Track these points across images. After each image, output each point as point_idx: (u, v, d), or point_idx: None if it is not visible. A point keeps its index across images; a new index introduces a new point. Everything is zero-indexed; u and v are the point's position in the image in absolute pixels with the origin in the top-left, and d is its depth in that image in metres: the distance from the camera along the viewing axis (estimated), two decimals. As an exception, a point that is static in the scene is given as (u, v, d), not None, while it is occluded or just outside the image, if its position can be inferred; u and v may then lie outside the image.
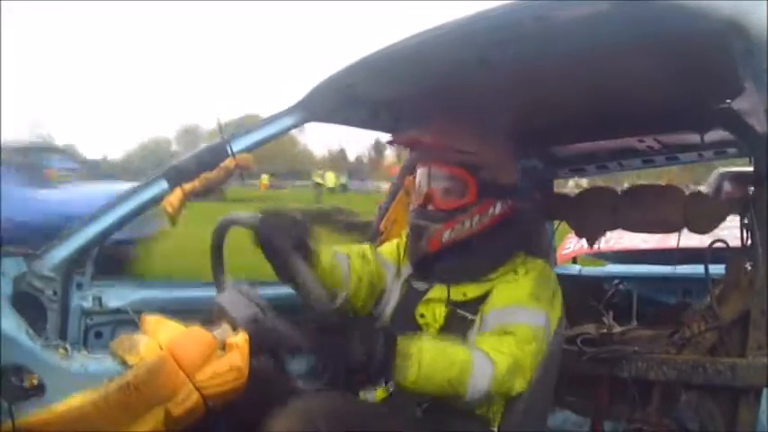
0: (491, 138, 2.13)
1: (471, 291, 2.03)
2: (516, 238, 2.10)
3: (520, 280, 2.02)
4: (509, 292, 1.99)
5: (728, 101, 2.21)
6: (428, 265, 2.10)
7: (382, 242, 2.93)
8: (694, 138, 2.56)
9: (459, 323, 2.00)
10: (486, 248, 2.06)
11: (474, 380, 1.77)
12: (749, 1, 1.51)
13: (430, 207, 2.07)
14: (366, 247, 2.28)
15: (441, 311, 2.03)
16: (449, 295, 2.04)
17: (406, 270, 2.22)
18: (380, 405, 1.92)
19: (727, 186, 6.45)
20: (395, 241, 2.35)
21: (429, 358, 1.72)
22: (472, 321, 1.99)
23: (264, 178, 38.56)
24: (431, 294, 2.07)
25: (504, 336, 1.89)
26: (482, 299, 2.01)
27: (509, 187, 2.13)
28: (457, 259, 2.05)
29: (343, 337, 1.66)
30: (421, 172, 2.14)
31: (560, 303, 2.05)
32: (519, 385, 1.85)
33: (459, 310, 2.02)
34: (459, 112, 2.18)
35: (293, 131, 2.60)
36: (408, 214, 2.19)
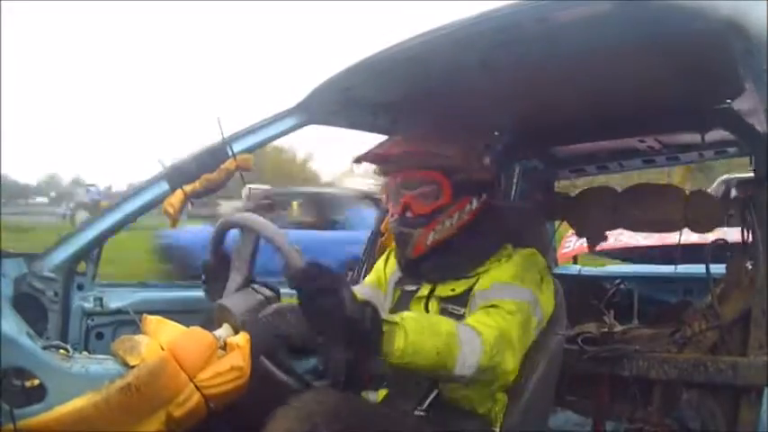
0: (465, 137, 2.14)
1: (460, 286, 2.04)
2: (499, 231, 2.12)
3: (504, 264, 2.04)
4: (494, 274, 2.01)
5: (729, 101, 2.21)
6: (416, 268, 2.12)
7: (384, 243, 2.94)
8: (695, 138, 2.56)
9: (451, 317, 2.00)
10: (469, 244, 2.07)
11: (462, 352, 1.75)
12: (749, 1, 1.51)
13: (408, 214, 2.08)
14: None
15: (434, 308, 2.05)
16: (439, 292, 2.06)
17: (395, 277, 2.25)
18: (381, 405, 1.92)
19: (734, 193, 6.45)
20: (378, 263, 2.39)
21: (414, 327, 1.70)
22: (463, 315, 1.99)
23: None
24: (422, 292, 2.10)
25: (488, 309, 1.89)
26: (470, 290, 2.03)
27: (483, 183, 2.14)
28: (442, 258, 2.07)
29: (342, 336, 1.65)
30: (392, 181, 2.15)
31: (552, 292, 2.06)
32: (510, 361, 1.84)
33: (450, 307, 2.03)
34: (457, 114, 2.18)
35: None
36: (389, 224, 2.21)
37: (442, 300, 2.05)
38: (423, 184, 2.07)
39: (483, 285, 2.00)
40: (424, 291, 2.10)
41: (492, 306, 1.90)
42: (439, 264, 2.07)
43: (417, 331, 1.70)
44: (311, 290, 1.57)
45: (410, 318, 1.73)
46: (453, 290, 2.04)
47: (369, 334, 1.63)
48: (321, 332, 1.65)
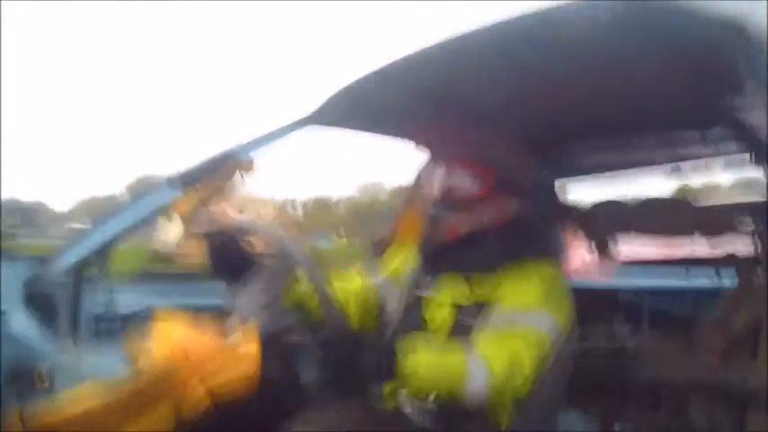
0: (507, 138, 2.15)
1: (478, 288, 2.02)
2: (529, 241, 2.10)
3: (527, 282, 2.00)
4: (517, 294, 1.97)
5: (731, 101, 2.21)
6: (441, 256, 2.10)
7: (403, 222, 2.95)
8: (697, 138, 2.56)
9: (464, 329, 2.00)
10: (500, 244, 2.05)
11: (471, 387, 1.77)
12: (750, 1, 1.51)
13: (449, 200, 2.08)
14: (359, 282, 2.30)
15: (448, 316, 2.03)
16: (458, 299, 2.03)
17: (411, 275, 2.23)
18: (392, 415, 1.93)
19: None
20: (396, 256, 2.37)
21: (424, 374, 1.74)
22: (477, 326, 1.99)
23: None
24: (438, 299, 2.07)
25: (506, 338, 1.88)
26: (488, 302, 2.00)
27: (526, 188, 2.14)
28: (471, 252, 2.05)
29: (352, 349, 1.69)
30: (440, 167, 2.14)
31: (570, 307, 2.03)
32: (521, 388, 1.84)
33: (465, 318, 2.01)
34: (469, 119, 2.19)
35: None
36: (425, 209, 2.19)
37: (459, 309, 2.02)
38: (471, 174, 2.07)
39: (505, 303, 1.97)
40: (442, 298, 2.06)
41: (511, 336, 1.89)
42: (464, 257, 2.05)
43: (427, 375, 1.74)
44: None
45: (423, 364, 1.76)
46: (472, 291, 2.02)
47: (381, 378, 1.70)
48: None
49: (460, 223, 2.06)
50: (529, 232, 2.11)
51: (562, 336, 1.98)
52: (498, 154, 2.09)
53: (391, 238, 3.04)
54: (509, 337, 1.88)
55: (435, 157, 2.21)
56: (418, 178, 3.03)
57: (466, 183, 2.07)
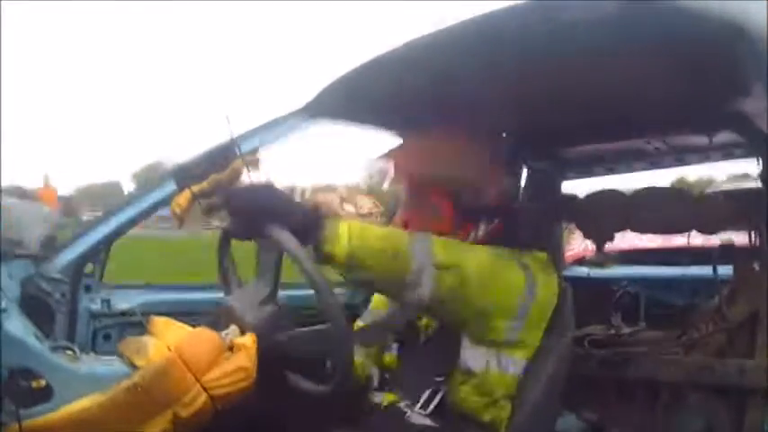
0: (476, 150, 2.05)
1: None
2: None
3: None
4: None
5: (736, 102, 2.20)
6: None
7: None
8: (702, 140, 2.55)
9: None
10: None
11: (415, 239, 1.69)
12: (752, 1, 1.51)
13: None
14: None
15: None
16: None
17: None
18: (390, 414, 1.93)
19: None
20: None
21: (356, 223, 1.66)
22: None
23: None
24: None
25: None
26: None
27: (495, 208, 2.05)
28: None
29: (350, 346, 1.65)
30: (402, 192, 2.09)
31: (553, 282, 1.96)
32: (473, 263, 1.75)
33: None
34: (463, 114, 2.18)
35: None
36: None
37: None
38: (422, 203, 2.00)
39: None
40: None
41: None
42: None
43: (361, 227, 1.66)
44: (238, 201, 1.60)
45: (355, 230, 1.66)
46: None
47: (306, 218, 1.59)
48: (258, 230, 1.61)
49: None
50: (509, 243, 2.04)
51: (544, 295, 1.92)
52: (468, 178, 1.99)
53: None
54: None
55: (398, 179, 2.14)
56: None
57: (422, 216, 1.99)
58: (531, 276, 1.89)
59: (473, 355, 1.93)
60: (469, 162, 2.01)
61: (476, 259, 1.77)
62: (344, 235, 1.61)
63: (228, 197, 1.60)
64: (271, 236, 1.59)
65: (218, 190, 1.65)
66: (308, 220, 1.60)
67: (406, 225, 2.01)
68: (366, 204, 10.36)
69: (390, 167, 2.12)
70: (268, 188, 1.59)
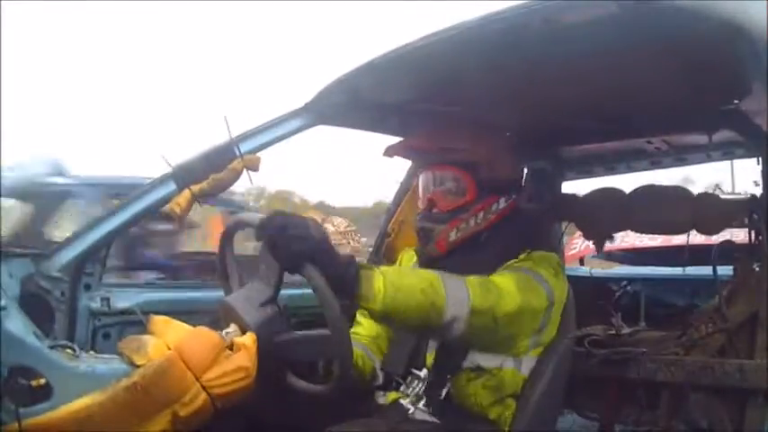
0: (486, 134, 2.14)
1: None
2: (523, 235, 2.09)
3: (519, 260, 2.00)
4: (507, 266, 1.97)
5: (736, 101, 2.20)
6: (437, 267, 2.08)
7: (390, 244, 2.94)
8: (702, 139, 2.55)
9: None
10: (492, 245, 2.06)
11: (448, 290, 1.70)
12: (752, 1, 1.50)
13: (434, 210, 2.08)
14: (366, 324, 2.25)
15: None
16: None
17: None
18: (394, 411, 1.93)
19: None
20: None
21: (393, 271, 1.68)
22: None
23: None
24: None
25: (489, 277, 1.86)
26: None
27: (511, 182, 2.14)
28: (465, 258, 2.04)
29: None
30: (422, 176, 2.16)
31: (565, 284, 2.02)
32: (504, 303, 1.78)
33: None
34: (465, 114, 2.18)
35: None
36: (414, 219, 2.19)
37: None
38: (448, 180, 2.08)
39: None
40: None
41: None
42: (460, 264, 1.98)
43: (396, 272, 1.69)
44: (283, 237, 1.56)
45: (390, 268, 1.72)
46: None
47: (344, 274, 1.59)
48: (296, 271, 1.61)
49: (449, 234, 2.05)
50: (522, 228, 2.10)
51: (558, 300, 1.97)
52: (480, 154, 2.07)
53: (393, 235, 3.03)
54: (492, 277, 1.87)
55: (416, 164, 2.21)
56: (409, 176, 3.02)
57: (449, 191, 2.08)
58: (549, 287, 1.93)
59: (485, 357, 1.95)
60: (489, 145, 2.11)
61: (507, 297, 1.81)
62: (380, 293, 1.62)
63: (272, 235, 1.59)
64: (305, 275, 1.60)
65: (262, 223, 1.63)
66: (347, 275, 1.60)
67: (432, 203, 2.09)
68: (342, 223, 10.56)
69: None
70: (312, 231, 1.58)
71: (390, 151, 2.21)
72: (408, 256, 2.31)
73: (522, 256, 2.03)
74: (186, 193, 2.27)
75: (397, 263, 2.34)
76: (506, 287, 1.82)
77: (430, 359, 2.02)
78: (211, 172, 2.30)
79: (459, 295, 1.71)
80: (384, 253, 2.97)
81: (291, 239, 1.54)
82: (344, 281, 1.59)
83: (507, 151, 2.17)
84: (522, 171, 2.20)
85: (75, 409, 1.54)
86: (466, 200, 2.06)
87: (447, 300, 1.69)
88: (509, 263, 1.98)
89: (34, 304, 2.07)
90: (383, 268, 1.67)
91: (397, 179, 3.01)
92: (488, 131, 2.17)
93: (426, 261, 2.12)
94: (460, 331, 1.72)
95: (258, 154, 2.34)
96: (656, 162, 2.97)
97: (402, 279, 1.67)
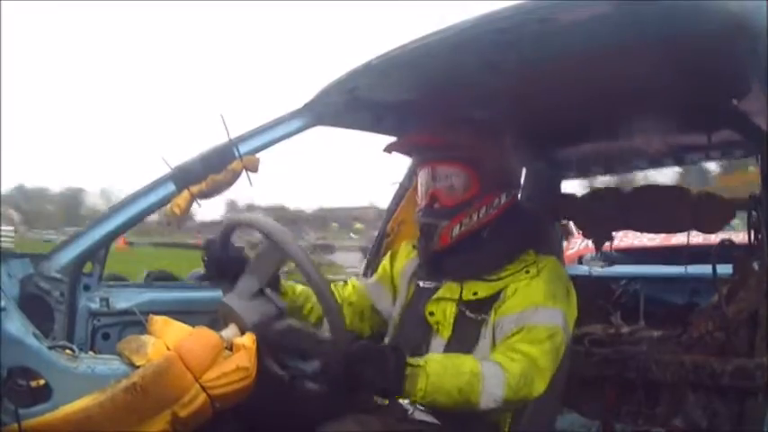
0: (487, 130, 2.14)
1: (482, 290, 2.01)
2: (525, 232, 2.10)
3: (533, 281, 1.99)
4: (524, 295, 1.97)
5: (735, 101, 2.20)
6: (439, 263, 2.10)
7: (389, 244, 2.93)
8: (701, 138, 2.55)
9: (469, 323, 2.00)
10: (496, 241, 2.05)
11: (486, 387, 1.77)
12: (752, 0, 1.50)
13: (436, 205, 2.07)
14: (350, 288, 2.33)
15: (451, 310, 2.03)
16: (461, 295, 2.03)
17: (407, 273, 2.24)
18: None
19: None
20: (384, 262, 2.37)
21: (436, 369, 1.74)
22: (482, 321, 1.98)
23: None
24: (440, 293, 2.07)
25: (519, 337, 1.89)
26: (494, 298, 1.99)
27: (512, 178, 2.16)
28: (468, 254, 2.04)
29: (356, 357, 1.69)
30: (422, 173, 2.15)
31: (575, 301, 2.03)
32: (538, 387, 1.85)
33: (468, 311, 2.01)
34: (462, 114, 2.18)
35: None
36: (416, 215, 2.19)
37: (461, 303, 2.02)
38: (452, 175, 2.07)
39: (513, 308, 1.96)
40: (444, 292, 2.06)
41: (521, 332, 1.90)
42: (463, 260, 2.04)
43: (439, 373, 1.75)
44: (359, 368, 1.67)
45: (433, 360, 1.79)
46: (475, 293, 2.01)
47: (391, 380, 1.69)
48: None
49: (452, 229, 2.05)
50: (524, 224, 2.10)
51: (572, 327, 2.00)
52: (482, 149, 2.07)
53: (393, 235, 3.03)
54: (519, 336, 1.90)
55: (417, 161, 2.21)
56: (408, 176, 3.02)
57: (452, 187, 2.07)
58: (566, 321, 1.97)
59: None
60: (490, 141, 2.12)
61: (541, 376, 1.87)
62: (421, 391, 1.73)
63: (333, 364, 1.71)
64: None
65: (316, 346, 1.73)
66: (396, 381, 1.71)
67: (434, 199, 2.09)
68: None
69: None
70: (372, 355, 1.70)
71: (391, 148, 2.21)
72: (406, 252, 2.30)
73: (529, 260, 2.04)
74: (185, 194, 2.28)
75: (394, 257, 2.33)
76: (543, 363, 1.87)
77: None
78: (210, 173, 2.30)
79: (494, 392, 1.79)
80: (384, 253, 2.97)
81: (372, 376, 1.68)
82: (392, 387, 1.72)
83: (508, 146, 2.17)
84: (522, 167, 2.20)
85: (75, 410, 1.53)
86: (469, 195, 2.05)
87: (481, 397, 1.78)
88: (528, 284, 1.99)
89: (34, 305, 2.08)
90: (429, 365, 1.76)
91: (393, 180, 3.01)
92: (489, 127, 2.16)
93: (429, 257, 2.12)
94: (494, 414, 1.89)
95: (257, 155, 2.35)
96: (655, 162, 2.97)
97: (443, 380, 1.75)
